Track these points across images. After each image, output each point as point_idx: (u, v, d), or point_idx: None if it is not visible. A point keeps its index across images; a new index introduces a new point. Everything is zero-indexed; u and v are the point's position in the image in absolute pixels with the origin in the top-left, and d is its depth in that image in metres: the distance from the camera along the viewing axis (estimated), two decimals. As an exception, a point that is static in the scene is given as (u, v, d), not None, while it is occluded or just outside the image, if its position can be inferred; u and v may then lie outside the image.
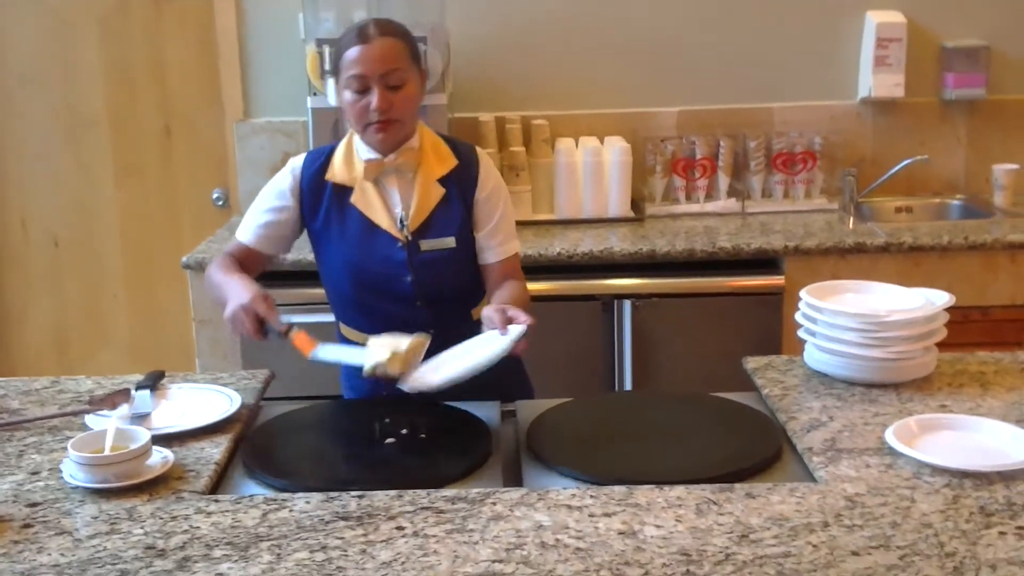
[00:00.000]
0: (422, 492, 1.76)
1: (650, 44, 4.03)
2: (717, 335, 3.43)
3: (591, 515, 1.67)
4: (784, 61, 4.05)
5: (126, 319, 4.33)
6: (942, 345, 2.25)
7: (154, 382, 2.24)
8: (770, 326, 3.41)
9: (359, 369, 2.37)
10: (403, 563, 1.54)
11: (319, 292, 2.53)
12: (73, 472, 1.81)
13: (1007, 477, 1.75)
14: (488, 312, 2.15)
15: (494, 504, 1.72)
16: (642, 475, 1.82)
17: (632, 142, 3.86)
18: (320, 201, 2.36)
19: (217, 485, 1.89)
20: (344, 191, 2.35)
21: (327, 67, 3.54)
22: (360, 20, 2.35)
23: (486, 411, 2.18)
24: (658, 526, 1.63)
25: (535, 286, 3.34)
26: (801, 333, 2.31)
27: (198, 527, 1.67)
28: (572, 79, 4.04)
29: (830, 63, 4.05)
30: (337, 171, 2.36)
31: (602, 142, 3.88)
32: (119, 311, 4.33)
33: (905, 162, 3.93)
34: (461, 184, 2.37)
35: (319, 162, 2.38)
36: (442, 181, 2.36)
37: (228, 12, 4.01)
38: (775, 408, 2.12)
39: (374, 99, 2.25)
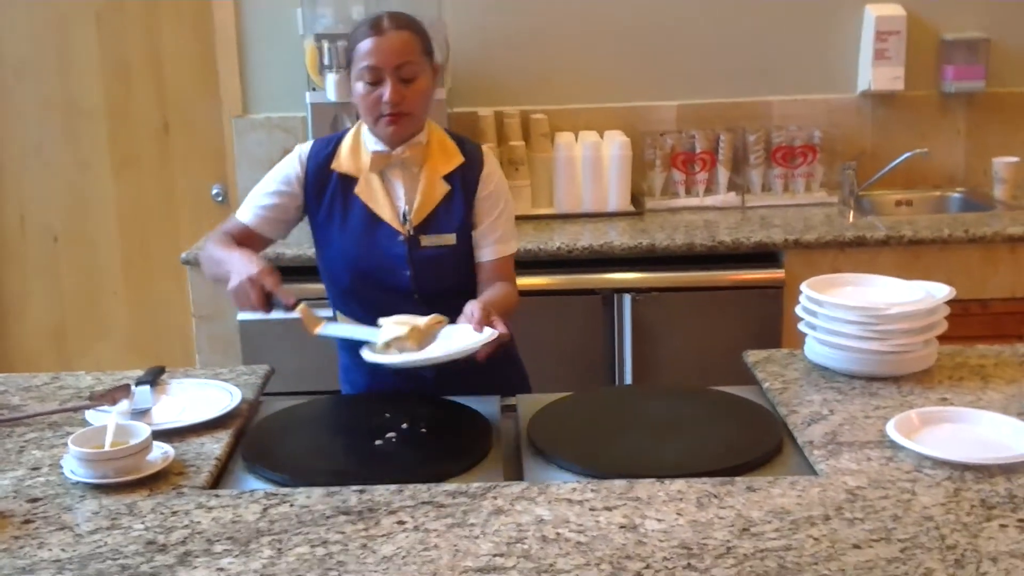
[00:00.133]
0: (423, 486, 1.76)
1: (649, 38, 4.03)
2: (717, 329, 3.43)
3: (592, 509, 1.67)
4: (783, 55, 4.04)
5: (125, 314, 4.33)
6: (942, 338, 2.25)
7: (154, 377, 2.24)
8: (770, 320, 3.41)
9: (358, 362, 2.38)
10: (404, 557, 1.54)
11: (319, 288, 2.52)
12: (73, 468, 1.81)
13: (1008, 470, 1.75)
14: (471, 307, 2.16)
15: (495, 498, 1.71)
16: (643, 469, 1.82)
17: (631, 136, 3.86)
18: (325, 190, 2.36)
19: (218, 480, 1.89)
20: (349, 181, 2.35)
21: (326, 62, 3.54)
22: (373, 13, 2.34)
23: (486, 405, 2.18)
24: (659, 520, 1.63)
25: (535, 280, 3.36)
26: (801, 327, 2.31)
27: (199, 522, 1.67)
28: (571, 73, 4.03)
29: (829, 56, 4.05)
30: (343, 161, 2.36)
31: (601, 136, 3.88)
32: (118, 306, 4.33)
33: (905, 155, 3.92)
34: (465, 182, 2.37)
35: (326, 151, 2.38)
36: (447, 178, 2.36)
37: (226, 6, 4.01)
38: (776, 401, 2.12)
39: (387, 91, 2.25)
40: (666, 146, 3.93)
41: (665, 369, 3.46)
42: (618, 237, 3.49)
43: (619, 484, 1.75)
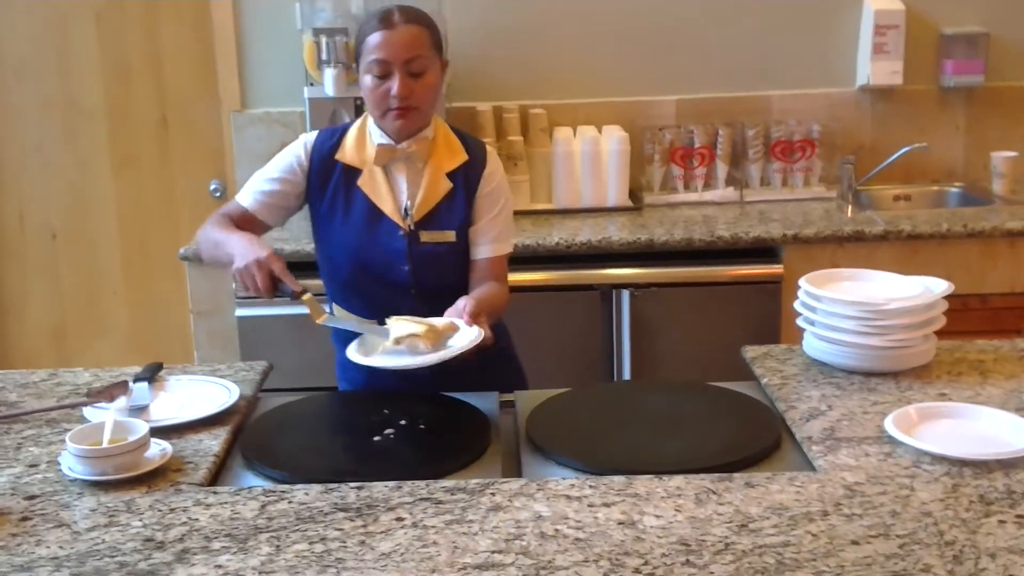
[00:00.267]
0: (421, 483, 1.76)
1: (648, 33, 4.02)
2: (716, 324, 3.43)
3: (590, 505, 1.67)
4: (782, 49, 4.04)
5: (124, 311, 4.33)
6: (941, 333, 2.24)
7: (152, 374, 2.23)
8: (769, 315, 3.41)
9: (357, 360, 2.37)
10: (402, 554, 1.54)
11: (317, 284, 2.52)
12: (71, 464, 1.81)
13: (1006, 465, 1.75)
14: (463, 302, 2.17)
15: (493, 495, 1.71)
16: (641, 465, 1.82)
17: (630, 131, 3.86)
18: (328, 180, 2.35)
19: (216, 477, 1.89)
20: (353, 173, 2.35)
21: (324, 57, 3.53)
22: (382, 6, 2.33)
23: (485, 402, 2.18)
24: (657, 516, 1.63)
25: (533, 276, 3.36)
26: (800, 322, 2.30)
27: (197, 519, 1.67)
28: (570, 68, 4.03)
29: (828, 51, 4.04)
30: (348, 152, 2.35)
31: (600, 131, 3.87)
32: (117, 303, 4.32)
33: (904, 150, 3.92)
34: (468, 180, 2.37)
35: (331, 141, 2.38)
36: (450, 175, 2.36)
37: (224, 2, 4.00)
38: (774, 397, 2.12)
39: (395, 85, 2.24)
40: (665, 141, 3.93)
41: (664, 365, 3.46)
42: (617, 232, 3.49)
43: (617, 480, 1.75)
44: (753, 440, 1.93)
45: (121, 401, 2.09)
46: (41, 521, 1.67)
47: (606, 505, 1.67)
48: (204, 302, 3.48)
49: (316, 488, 1.75)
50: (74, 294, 4.32)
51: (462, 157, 2.37)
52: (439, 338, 2.07)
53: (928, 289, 2.23)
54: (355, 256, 2.35)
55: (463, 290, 2.35)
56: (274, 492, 1.75)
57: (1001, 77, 4.03)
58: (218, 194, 4.16)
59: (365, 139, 2.36)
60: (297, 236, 3.45)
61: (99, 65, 4.13)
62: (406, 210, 2.34)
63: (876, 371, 2.18)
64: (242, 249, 2.18)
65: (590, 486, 1.73)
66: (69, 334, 4.35)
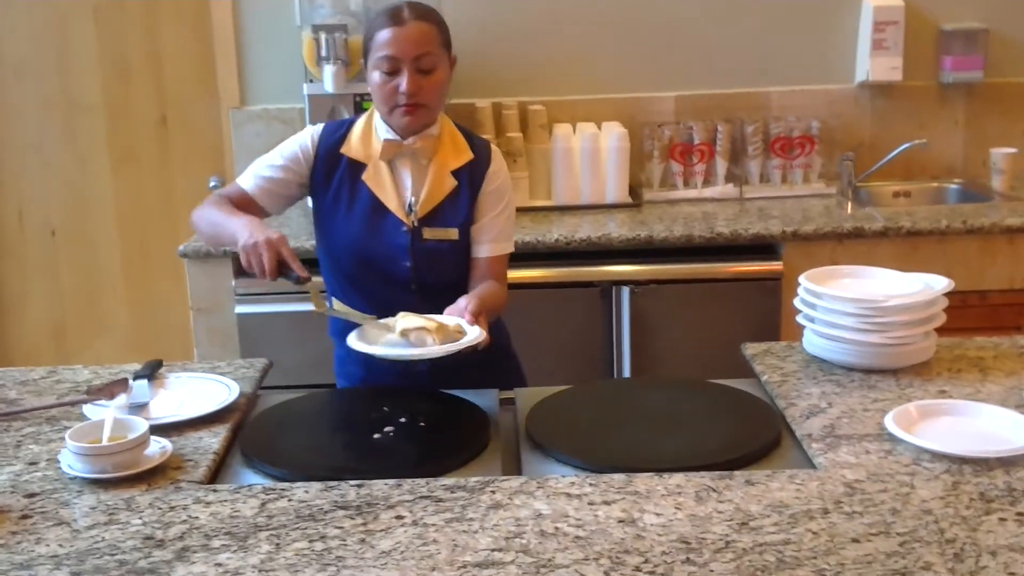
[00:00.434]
0: (421, 481, 1.76)
1: (647, 29, 4.02)
2: (715, 321, 3.43)
3: (590, 503, 1.67)
4: (781, 45, 4.03)
5: (123, 308, 4.33)
6: (941, 330, 2.24)
7: (152, 371, 2.23)
8: (768, 312, 3.40)
9: (354, 355, 2.37)
10: (402, 552, 1.54)
11: (317, 280, 2.51)
12: (71, 462, 1.81)
13: (1007, 463, 1.75)
14: (465, 300, 2.17)
15: (493, 492, 1.71)
16: (641, 462, 1.82)
17: (629, 128, 3.85)
18: (333, 173, 2.35)
19: (215, 475, 1.89)
20: (358, 167, 2.34)
21: (323, 53, 3.53)
22: (393, 3, 2.33)
23: (485, 399, 2.18)
24: (658, 514, 1.63)
25: (533, 273, 3.36)
26: (800, 319, 2.30)
27: (197, 517, 1.66)
28: (569, 65, 4.02)
29: (827, 47, 4.04)
30: (353, 146, 2.35)
31: (599, 128, 3.87)
32: (116, 301, 4.32)
33: (903, 146, 3.92)
34: (472, 178, 2.37)
35: (337, 135, 2.37)
36: (455, 173, 2.36)
37: (224, 0, 4.00)
38: (774, 394, 2.12)
39: (404, 82, 2.24)
40: (664, 137, 3.92)
41: (663, 362, 3.46)
42: (616, 229, 3.49)
43: (618, 478, 1.75)
44: (753, 437, 1.93)
45: (121, 399, 2.09)
46: (41, 519, 1.67)
47: (606, 503, 1.66)
48: (204, 299, 3.47)
49: (316, 486, 1.75)
50: (74, 292, 4.32)
51: (467, 155, 2.37)
52: (447, 337, 2.07)
53: (928, 286, 2.23)
54: (357, 250, 2.34)
55: (463, 288, 2.35)
56: (274, 490, 1.75)
57: (1000, 73, 4.03)
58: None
59: (371, 134, 2.36)
60: (297, 233, 3.45)
61: (98, 63, 4.13)
62: (410, 206, 2.33)
63: (876, 368, 2.18)
64: (250, 228, 2.15)
65: (590, 484, 1.73)
66: (69, 332, 4.35)
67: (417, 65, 2.25)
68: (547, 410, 2.10)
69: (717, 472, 1.76)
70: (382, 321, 2.16)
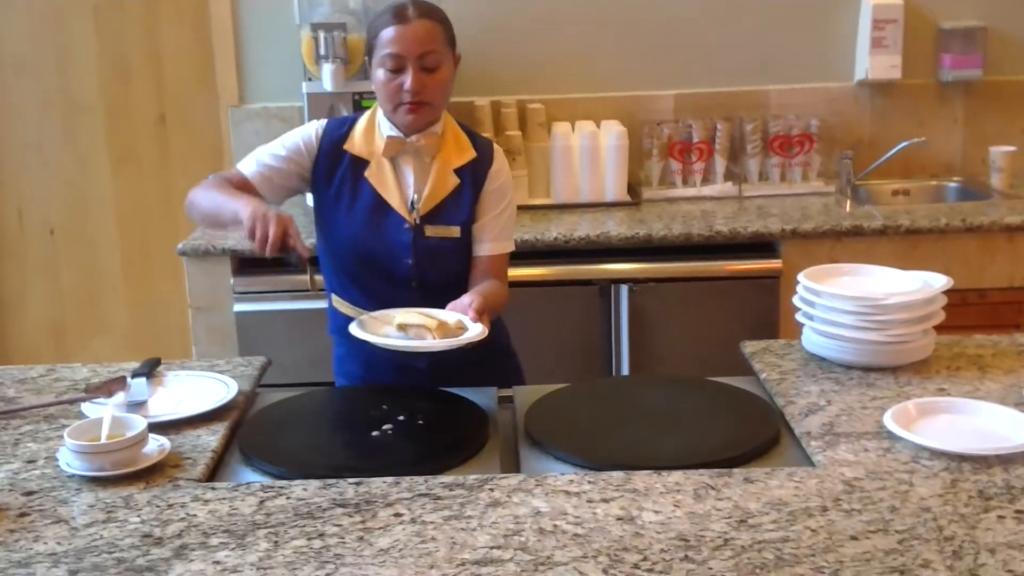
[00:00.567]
0: (419, 479, 1.76)
1: (646, 28, 4.02)
2: (714, 319, 3.43)
3: (589, 501, 1.66)
4: (780, 43, 4.03)
5: (122, 307, 4.32)
6: (940, 328, 2.24)
7: (150, 369, 2.23)
8: (767, 310, 3.40)
9: (353, 353, 2.38)
10: (401, 550, 1.54)
11: (317, 278, 2.52)
12: (69, 460, 1.81)
13: (1006, 460, 1.75)
14: (470, 298, 2.16)
15: (492, 490, 1.71)
16: (640, 460, 1.81)
17: (629, 126, 3.85)
18: (336, 169, 2.35)
19: (214, 473, 1.89)
20: (360, 164, 2.34)
21: (322, 52, 3.53)
22: (395, 1, 2.32)
23: (483, 397, 2.18)
24: (656, 511, 1.62)
25: (532, 271, 3.36)
26: (799, 317, 2.30)
27: (195, 515, 1.66)
28: (568, 63, 4.02)
29: (827, 45, 4.04)
30: (356, 143, 2.35)
31: (598, 126, 3.87)
32: (115, 299, 4.32)
33: (902, 144, 3.92)
34: (475, 177, 2.37)
35: (341, 131, 2.37)
36: (458, 171, 2.36)
37: (223, -2, 4.01)
38: (773, 392, 2.12)
39: (408, 80, 2.24)
40: (663, 136, 3.92)
41: (662, 360, 3.45)
42: (615, 227, 3.49)
43: (616, 476, 1.75)
44: (752, 435, 1.93)
45: (119, 397, 2.08)
46: (39, 517, 1.67)
47: (605, 501, 1.66)
48: (202, 298, 3.47)
49: (314, 484, 1.75)
50: (73, 291, 4.32)
51: (470, 154, 2.37)
52: (447, 334, 2.07)
53: (927, 284, 2.23)
54: (359, 247, 2.34)
55: (464, 286, 2.35)
56: (272, 488, 1.75)
57: (999, 71, 4.03)
58: (216, 189, 4.15)
59: (374, 131, 2.36)
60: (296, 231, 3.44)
61: (97, 62, 4.13)
62: (412, 204, 2.33)
63: (875, 366, 2.18)
64: (256, 204, 2.14)
65: (589, 481, 1.73)
66: (68, 331, 4.35)
67: (421, 63, 2.25)
68: (546, 408, 2.10)
69: (716, 470, 1.76)
70: (380, 313, 2.16)
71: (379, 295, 2.30)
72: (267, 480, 1.82)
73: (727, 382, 2.24)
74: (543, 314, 3.37)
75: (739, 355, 2.38)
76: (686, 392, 2.22)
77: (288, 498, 1.71)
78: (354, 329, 2.10)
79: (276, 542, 1.57)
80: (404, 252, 2.33)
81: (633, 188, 3.89)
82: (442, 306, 2.18)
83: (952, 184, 4.05)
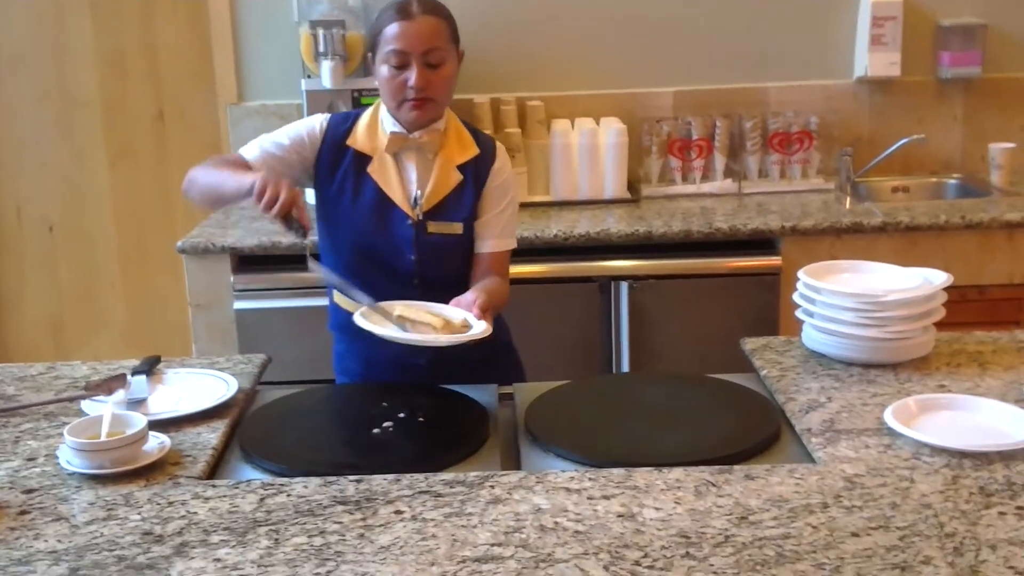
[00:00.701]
0: (420, 476, 1.76)
1: (646, 25, 4.01)
2: (714, 316, 3.43)
3: (590, 498, 1.66)
4: (780, 41, 4.03)
5: (121, 304, 4.32)
6: (939, 325, 2.24)
7: (150, 367, 2.23)
8: (767, 307, 3.40)
9: (353, 350, 2.37)
10: (401, 547, 1.53)
11: (315, 276, 2.51)
12: (69, 458, 1.81)
13: (1006, 457, 1.75)
14: (474, 295, 2.16)
15: (492, 487, 1.71)
16: (640, 457, 1.81)
17: (628, 123, 3.85)
18: (339, 164, 2.34)
19: (214, 470, 1.89)
20: (363, 159, 2.34)
21: (321, 49, 3.53)
22: None
23: (484, 394, 2.18)
24: (657, 508, 1.62)
25: (532, 268, 3.36)
26: (799, 314, 2.30)
27: (195, 512, 1.66)
28: (567, 60, 4.02)
29: (826, 42, 4.04)
30: (359, 138, 2.35)
31: (598, 123, 3.86)
32: (114, 296, 4.32)
33: (902, 141, 3.92)
34: (477, 174, 2.37)
35: (344, 126, 2.37)
36: (461, 168, 2.36)
37: (221, -5, 4.00)
38: (773, 389, 2.12)
39: (412, 76, 2.24)
40: (663, 133, 3.92)
41: (662, 357, 3.45)
42: (615, 224, 3.48)
43: (617, 473, 1.75)
44: (752, 432, 1.93)
45: (119, 394, 2.08)
46: (39, 515, 1.67)
47: (605, 498, 1.66)
48: (202, 295, 3.47)
49: (315, 481, 1.75)
50: (72, 288, 4.31)
51: (473, 151, 2.37)
52: (452, 332, 2.07)
53: (927, 280, 2.23)
54: (361, 242, 2.34)
55: (465, 283, 2.35)
56: (273, 485, 1.75)
57: (999, 68, 4.03)
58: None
59: (377, 127, 2.36)
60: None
61: (95, 58, 4.12)
62: (415, 199, 2.33)
63: (875, 363, 2.18)
64: (268, 172, 2.15)
65: (589, 478, 1.73)
66: (67, 328, 4.34)
67: (426, 59, 2.25)
68: (546, 405, 2.10)
69: (716, 467, 1.76)
70: (383, 304, 2.15)
71: (381, 291, 2.29)
72: (267, 477, 1.82)
73: (727, 379, 2.23)
74: (543, 311, 3.37)
75: (739, 352, 2.38)
76: (686, 389, 2.22)
77: (288, 495, 1.71)
78: (358, 319, 2.10)
79: (277, 539, 1.57)
80: (407, 248, 2.33)
81: (633, 185, 3.88)
82: (444, 303, 2.18)
83: (952, 181, 4.05)
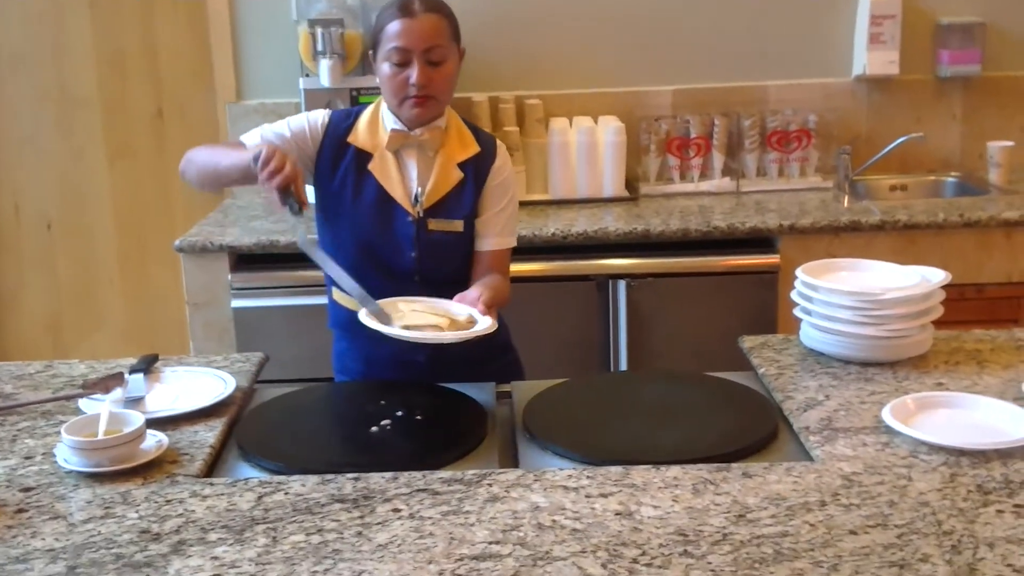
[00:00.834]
0: (418, 474, 1.76)
1: (644, 23, 4.01)
2: (712, 314, 3.43)
3: (587, 496, 1.66)
4: (778, 39, 4.03)
5: (119, 302, 4.32)
6: (938, 323, 2.24)
7: (148, 365, 2.23)
8: (765, 305, 3.40)
9: (353, 349, 2.37)
10: (399, 545, 1.53)
11: (315, 275, 2.51)
12: (67, 456, 1.81)
13: (1004, 455, 1.75)
14: (478, 291, 2.17)
15: (490, 485, 1.71)
16: (638, 455, 1.81)
17: (626, 121, 3.85)
18: (340, 161, 2.34)
19: (212, 468, 1.88)
20: (364, 157, 2.34)
21: (319, 48, 3.53)
22: None
23: (481, 392, 2.18)
24: (655, 506, 1.62)
25: (530, 267, 3.35)
26: (797, 312, 2.30)
27: (193, 511, 1.66)
28: (566, 59, 4.02)
29: (824, 41, 4.04)
30: (360, 136, 2.35)
31: (596, 122, 3.86)
32: (112, 295, 4.32)
33: (900, 140, 3.92)
34: (478, 172, 2.37)
35: (346, 123, 2.37)
36: (461, 166, 2.36)
37: (220, -6, 4.00)
38: (771, 387, 2.12)
39: (414, 73, 2.24)
40: (661, 131, 3.92)
41: (660, 355, 3.45)
42: (613, 223, 3.48)
43: (615, 471, 1.75)
44: (750, 430, 1.93)
45: (117, 393, 2.08)
46: (37, 513, 1.67)
47: (603, 496, 1.66)
48: (200, 293, 3.47)
49: (313, 479, 1.75)
50: (70, 286, 4.31)
51: (474, 149, 2.37)
52: (457, 329, 2.07)
53: (925, 279, 2.23)
54: (362, 239, 2.34)
55: (466, 281, 2.35)
56: (270, 483, 1.75)
57: (998, 67, 4.03)
58: (214, 185, 4.15)
59: (378, 124, 2.36)
60: (297, 229, 3.43)
61: (94, 55, 4.12)
62: (416, 197, 2.33)
63: (873, 361, 2.18)
64: (272, 145, 2.17)
65: (587, 477, 1.73)
66: (65, 326, 4.34)
67: (427, 57, 2.25)
68: (544, 403, 2.10)
69: (714, 464, 1.76)
70: (386, 301, 2.15)
71: (381, 288, 2.29)
72: (265, 476, 1.82)
73: (725, 377, 2.23)
74: (541, 310, 3.37)
75: (737, 350, 2.38)
76: (684, 387, 2.22)
77: (286, 494, 1.71)
78: (363, 317, 2.10)
79: (274, 537, 1.57)
80: (407, 245, 2.33)
81: (631, 184, 3.88)
82: (441, 297, 2.18)
83: (950, 179, 4.05)
